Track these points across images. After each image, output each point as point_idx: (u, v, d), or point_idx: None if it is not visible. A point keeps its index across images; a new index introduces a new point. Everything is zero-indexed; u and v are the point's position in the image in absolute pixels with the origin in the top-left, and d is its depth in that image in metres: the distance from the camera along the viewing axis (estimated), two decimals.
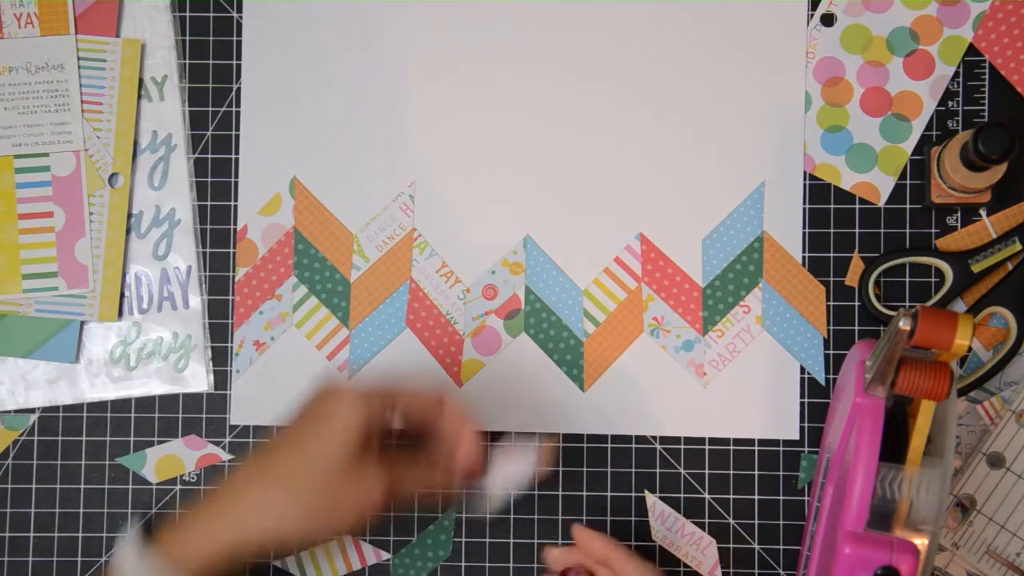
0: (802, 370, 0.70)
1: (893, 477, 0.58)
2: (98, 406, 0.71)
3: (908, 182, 0.70)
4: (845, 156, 0.70)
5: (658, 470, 0.70)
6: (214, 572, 0.58)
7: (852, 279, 0.70)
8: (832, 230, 0.70)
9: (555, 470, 0.70)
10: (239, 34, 0.72)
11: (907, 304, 0.69)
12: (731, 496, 0.70)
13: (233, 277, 0.71)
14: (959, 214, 0.69)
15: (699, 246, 0.70)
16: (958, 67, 0.69)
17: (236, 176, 0.72)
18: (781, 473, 0.70)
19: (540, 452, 0.64)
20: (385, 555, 0.70)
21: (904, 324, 0.54)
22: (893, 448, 0.59)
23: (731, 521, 0.70)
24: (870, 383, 0.58)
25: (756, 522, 0.70)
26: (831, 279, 0.70)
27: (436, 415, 0.62)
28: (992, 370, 0.68)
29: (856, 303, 0.70)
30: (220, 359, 0.71)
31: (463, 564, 0.70)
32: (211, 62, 0.72)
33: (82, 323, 0.71)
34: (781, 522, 0.70)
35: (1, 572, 0.71)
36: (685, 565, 0.70)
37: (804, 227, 0.70)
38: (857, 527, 0.56)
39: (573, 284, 0.71)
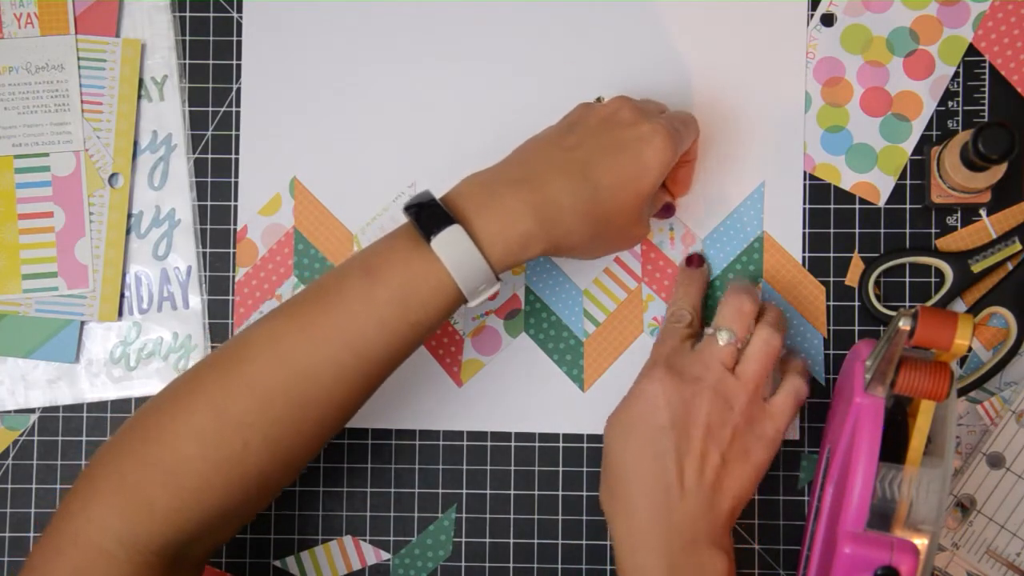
0: None
1: (893, 477, 0.58)
2: (98, 406, 0.71)
3: (908, 182, 0.70)
4: (845, 156, 0.70)
5: None
6: (511, 265, 0.58)
7: (852, 279, 0.70)
8: (832, 230, 0.70)
9: (555, 470, 0.70)
10: (239, 34, 0.72)
11: (907, 304, 0.69)
12: None
13: (233, 277, 0.71)
14: (959, 214, 0.69)
15: (699, 246, 0.70)
16: (958, 67, 0.69)
17: (236, 176, 0.72)
18: (781, 473, 0.70)
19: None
20: (385, 555, 0.70)
21: (904, 324, 0.54)
22: (893, 448, 0.59)
23: None
24: (870, 383, 0.58)
25: (756, 522, 0.70)
26: (831, 279, 0.70)
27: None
28: (992, 370, 0.68)
29: (856, 303, 0.70)
30: None
31: (463, 564, 0.70)
32: (211, 62, 0.72)
33: (82, 323, 0.71)
34: (781, 522, 0.70)
35: (1, 572, 0.71)
36: None
37: (804, 227, 0.70)
38: (857, 527, 0.56)
39: (573, 284, 0.71)
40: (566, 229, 0.57)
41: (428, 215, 0.56)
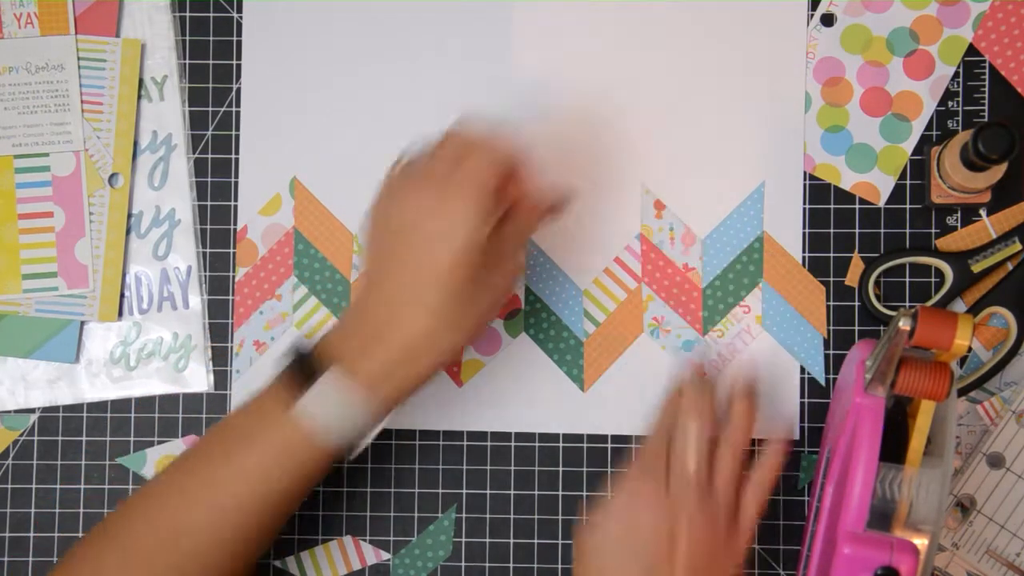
0: (802, 370, 0.70)
1: (893, 477, 0.58)
2: (98, 406, 0.71)
3: (908, 182, 0.70)
4: (845, 156, 0.70)
5: None
6: (390, 409, 0.59)
7: (852, 279, 0.70)
8: (832, 230, 0.70)
9: (555, 470, 0.70)
10: (239, 34, 0.72)
11: (907, 304, 0.69)
12: None
13: (233, 277, 0.71)
14: (959, 214, 0.69)
15: (699, 246, 0.70)
16: (958, 67, 0.69)
17: (236, 176, 0.72)
18: (781, 473, 0.69)
19: None
20: (385, 555, 0.70)
21: (904, 324, 0.54)
22: (893, 448, 0.59)
23: None
24: (870, 383, 0.58)
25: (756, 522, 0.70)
26: (831, 279, 0.70)
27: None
28: (992, 370, 0.68)
29: (856, 303, 0.70)
30: (220, 359, 0.71)
31: (463, 564, 0.70)
32: (211, 62, 0.72)
33: (82, 323, 0.71)
34: (781, 522, 0.70)
35: (1, 572, 0.71)
36: None
37: (804, 227, 0.70)
38: (857, 527, 0.56)
39: (573, 284, 0.71)
40: (448, 347, 0.58)
41: (297, 376, 0.58)
